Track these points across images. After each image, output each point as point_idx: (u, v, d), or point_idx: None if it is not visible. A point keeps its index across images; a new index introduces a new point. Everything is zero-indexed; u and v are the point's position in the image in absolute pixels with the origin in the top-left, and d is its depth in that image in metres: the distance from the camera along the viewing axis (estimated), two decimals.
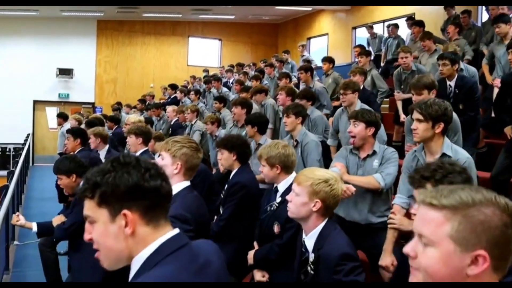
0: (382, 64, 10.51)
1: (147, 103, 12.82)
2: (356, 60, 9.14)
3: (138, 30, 18.47)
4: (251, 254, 3.56)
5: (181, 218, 2.50)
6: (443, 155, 3.16)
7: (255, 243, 3.63)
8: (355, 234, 3.37)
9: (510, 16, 7.17)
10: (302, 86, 8.40)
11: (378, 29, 13.41)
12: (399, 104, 6.75)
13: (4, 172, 14.54)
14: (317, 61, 11.93)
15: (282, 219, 3.21)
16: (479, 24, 9.86)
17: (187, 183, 2.78)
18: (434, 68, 6.67)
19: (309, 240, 2.64)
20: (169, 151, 2.80)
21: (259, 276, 3.52)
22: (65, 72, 17.19)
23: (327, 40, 17.15)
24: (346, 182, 3.63)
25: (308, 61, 10.59)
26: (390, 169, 3.65)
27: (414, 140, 3.51)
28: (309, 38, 17.98)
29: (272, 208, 3.46)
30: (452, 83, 5.30)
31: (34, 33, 16.90)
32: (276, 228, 3.37)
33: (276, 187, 3.56)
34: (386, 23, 12.96)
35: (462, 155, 3.16)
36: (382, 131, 4.44)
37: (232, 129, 6.64)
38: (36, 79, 16.76)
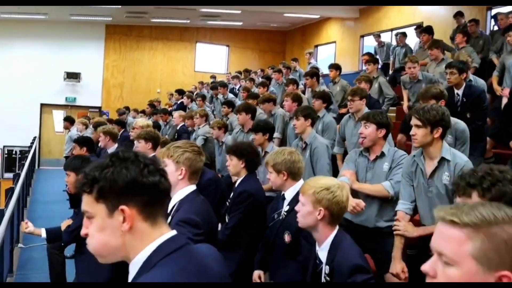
0: (390, 73, 10.48)
1: (155, 108, 12.85)
2: (364, 68, 9.13)
3: (146, 35, 18.53)
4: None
5: (191, 222, 2.48)
6: (442, 159, 3.17)
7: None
8: (362, 237, 3.36)
9: None
10: (308, 92, 8.40)
11: (386, 37, 13.38)
12: None
13: (10, 175, 14.68)
14: (324, 69, 11.91)
15: (293, 228, 3.15)
16: (487, 33, 9.83)
17: (193, 187, 2.76)
18: (442, 77, 6.66)
19: (322, 252, 2.62)
20: (171, 157, 2.75)
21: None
22: (73, 76, 17.27)
23: (335, 48, 17.14)
24: (355, 194, 3.62)
25: (315, 69, 10.58)
26: (400, 176, 3.63)
27: (413, 145, 3.50)
28: (316, 46, 17.98)
29: (280, 217, 3.43)
30: (459, 91, 5.28)
31: (43, 36, 16.98)
32: (287, 238, 3.32)
33: (283, 194, 3.54)
34: (394, 32, 12.94)
35: (460, 159, 3.17)
36: (389, 138, 4.42)
37: (238, 134, 6.64)
38: (44, 82, 16.84)
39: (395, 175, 3.65)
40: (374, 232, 3.70)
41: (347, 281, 2.44)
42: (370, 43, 14.83)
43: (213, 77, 15.42)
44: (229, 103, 8.83)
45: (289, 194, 3.47)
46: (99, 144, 6.76)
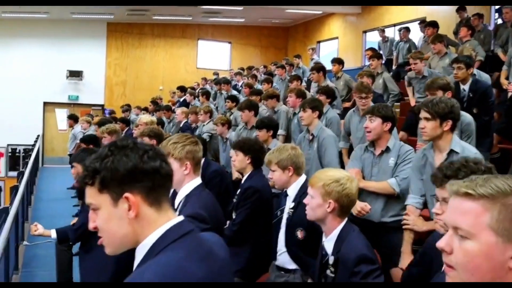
0: (393, 68, 10.45)
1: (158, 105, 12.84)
2: (367, 64, 9.09)
3: (148, 33, 18.51)
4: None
5: (199, 217, 2.47)
6: (451, 151, 3.15)
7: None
8: (367, 232, 3.34)
9: None
10: (313, 87, 8.37)
11: (389, 33, 13.33)
12: None
13: (14, 173, 14.71)
14: (327, 65, 11.87)
15: (305, 224, 3.13)
16: (491, 26, 9.79)
17: (199, 181, 2.74)
18: (445, 71, 6.62)
19: (329, 242, 2.60)
20: (173, 155, 2.70)
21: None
22: (75, 74, 17.26)
23: (337, 44, 17.09)
24: (361, 191, 3.60)
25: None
26: (406, 172, 3.60)
27: (423, 138, 3.48)
28: (319, 42, 17.93)
29: (288, 215, 3.40)
30: (466, 87, 5.24)
31: (45, 35, 16.97)
32: (300, 234, 3.30)
33: (285, 191, 3.51)
34: (397, 27, 12.90)
35: (469, 151, 3.15)
36: (395, 132, 4.39)
37: (242, 131, 6.62)
38: (46, 80, 16.83)
39: (401, 171, 3.63)
40: (379, 227, 3.68)
41: (352, 271, 2.42)
42: (372, 39, 14.78)
43: (216, 73, 15.39)
44: (233, 98, 8.82)
45: (292, 191, 3.45)
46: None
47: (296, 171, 3.44)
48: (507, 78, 6.58)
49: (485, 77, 5.96)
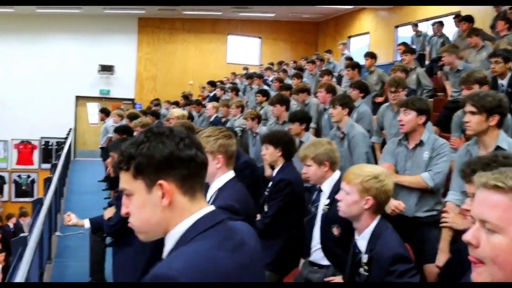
0: (426, 63, 10.25)
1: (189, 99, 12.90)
2: (398, 59, 8.93)
3: (179, 28, 18.60)
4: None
5: (231, 208, 2.44)
6: (497, 148, 3.01)
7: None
8: (400, 227, 3.27)
9: None
10: (344, 82, 8.28)
11: (422, 27, 13.08)
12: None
13: (47, 165, 15.00)
14: (358, 60, 11.72)
15: (340, 221, 3.08)
16: None
17: (232, 174, 2.72)
18: (482, 65, 6.45)
19: (362, 240, 2.55)
20: (205, 149, 2.70)
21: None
22: (107, 69, 17.47)
23: (369, 39, 16.88)
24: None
25: (350, 59, 10.43)
26: (440, 166, 3.50)
27: (467, 133, 3.37)
28: (350, 37, 17.74)
29: (323, 212, 3.36)
30: (504, 81, 5.10)
31: (77, 30, 17.21)
32: (336, 231, 3.25)
33: (319, 187, 3.47)
34: (431, 22, 12.64)
35: None
36: (429, 125, 4.28)
37: (273, 125, 6.58)
38: (79, 75, 17.07)
39: (435, 165, 3.54)
40: (412, 222, 3.60)
41: (388, 270, 2.37)
42: (404, 34, 14.55)
43: (246, 68, 15.40)
44: (264, 92, 8.79)
45: (326, 187, 3.41)
46: None
47: (332, 167, 3.40)
48: None
49: None
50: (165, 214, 1.32)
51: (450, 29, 10.81)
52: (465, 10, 11.75)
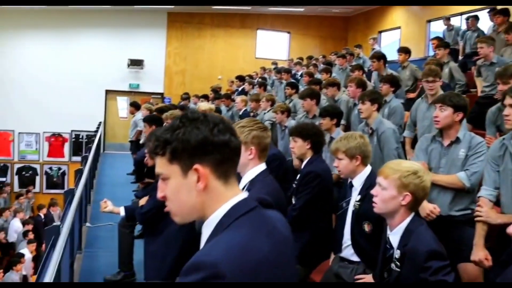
0: (460, 58, 10.02)
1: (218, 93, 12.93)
2: (430, 54, 8.75)
3: (208, 23, 18.64)
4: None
5: (264, 202, 2.40)
6: None
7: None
8: (434, 226, 3.20)
9: None
10: (374, 77, 8.17)
11: (455, 21, 12.79)
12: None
13: (77, 158, 15.25)
14: (388, 56, 11.54)
15: (372, 217, 3.02)
16: None
17: (263, 166, 2.69)
18: None
19: (394, 236, 2.50)
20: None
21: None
22: (136, 63, 17.62)
23: (400, 34, 16.61)
24: None
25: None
26: (478, 166, 3.40)
27: (506, 127, 3.26)
28: (380, 32, 17.49)
29: (354, 208, 3.31)
30: None
31: (107, 25, 17.42)
32: (367, 227, 3.21)
33: (350, 182, 3.42)
34: (463, 16, 12.36)
35: None
36: (464, 122, 4.17)
37: (302, 119, 6.53)
38: (109, 69, 17.29)
39: (472, 165, 3.43)
40: (446, 221, 3.51)
41: (422, 266, 2.31)
42: (436, 29, 14.27)
43: (275, 63, 15.34)
44: (293, 85, 8.74)
45: (357, 182, 3.36)
46: None
47: (363, 161, 3.35)
48: None
49: None
50: (200, 198, 1.35)
51: (485, 23, 10.52)
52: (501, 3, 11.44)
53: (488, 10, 10.85)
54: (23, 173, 16.74)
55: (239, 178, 2.65)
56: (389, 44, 16.84)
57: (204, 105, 7.56)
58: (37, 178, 16.81)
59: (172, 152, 1.34)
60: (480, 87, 6.71)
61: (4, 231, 12.04)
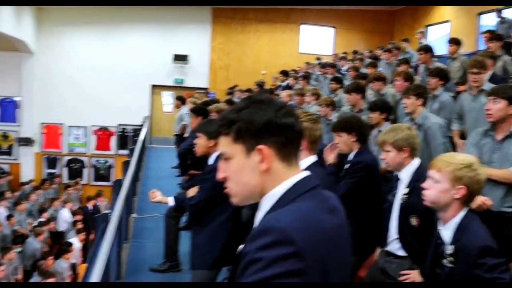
0: None
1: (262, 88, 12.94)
2: (481, 48, 8.45)
3: (252, 18, 18.64)
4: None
5: None
6: None
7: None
8: (484, 222, 3.10)
9: None
10: (421, 70, 7.98)
11: (507, 14, 12.33)
12: None
13: (124, 151, 15.57)
14: (437, 51, 11.25)
15: (420, 210, 2.96)
16: None
17: (314, 158, 2.67)
18: None
19: (446, 230, 2.43)
20: None
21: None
22: (181, 58, 17.79)
23: (449, 28, 16.14)
24: None
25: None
26: None
27: None
28: (428, 26, 17.05)
29: (402, 201, 3.23)
30: None
31: (152, 21, 17.63)
32: (414, 221, 3.13)
33: (397, 175, 3.34)
34: None
35: None
36: None
37: (348, 113, 6.44)
38: (154, 64, 17.52)
39: None
40: (497, 217, 3.40)
41: (476, 262, 2.24)
42: (486, 23, 13.80)
43: (319, 58, 15.22)
44: (338, 79, 8.65)
45: (405, 175, 3.28)
46: None
47: (412, 153, 3.27)
48: None
49: None
50: (262, 179, 1.36)
51: None
52: None
53: None
54: (72, 165, 17.23)
55: None
56: (437, 38, 16.39)
57: None
58: (85, 171, 17.27)
59: (236, 131, 1.35)
60: None
61: (54, 221, 12.47)
